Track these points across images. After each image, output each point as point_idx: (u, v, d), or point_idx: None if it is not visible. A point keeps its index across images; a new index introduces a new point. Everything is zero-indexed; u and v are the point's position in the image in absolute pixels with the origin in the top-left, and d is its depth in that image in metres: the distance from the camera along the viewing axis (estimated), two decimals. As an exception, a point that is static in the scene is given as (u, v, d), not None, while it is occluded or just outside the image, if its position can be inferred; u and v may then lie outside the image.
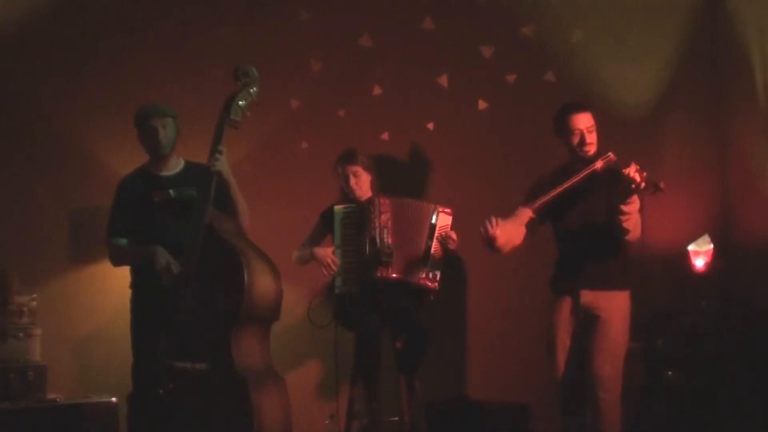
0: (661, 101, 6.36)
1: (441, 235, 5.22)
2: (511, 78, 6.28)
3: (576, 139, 4.78)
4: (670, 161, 6.32)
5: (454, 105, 6.22)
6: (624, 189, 4.50)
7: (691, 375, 5.69)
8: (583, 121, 4.79)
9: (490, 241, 4.66)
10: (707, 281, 5.96)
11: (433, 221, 5.23)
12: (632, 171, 4.44)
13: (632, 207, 4.57)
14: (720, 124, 6.42)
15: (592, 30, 6.33)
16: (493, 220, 4.63)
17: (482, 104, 6.27)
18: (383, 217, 5.21)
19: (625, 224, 4.60)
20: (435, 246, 5.21)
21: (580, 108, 4.83)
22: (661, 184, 4.45)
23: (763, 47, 5.97)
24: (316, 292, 5.52)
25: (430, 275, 5.18)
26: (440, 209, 5.26)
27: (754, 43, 6.04)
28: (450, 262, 5.34)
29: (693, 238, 6.04)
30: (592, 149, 4.78)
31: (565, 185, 4.63)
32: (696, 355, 5.72)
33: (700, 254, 5.99)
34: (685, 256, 6.03)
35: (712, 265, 5.98)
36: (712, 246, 6.00)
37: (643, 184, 4.44)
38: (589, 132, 4.78)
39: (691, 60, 6.41)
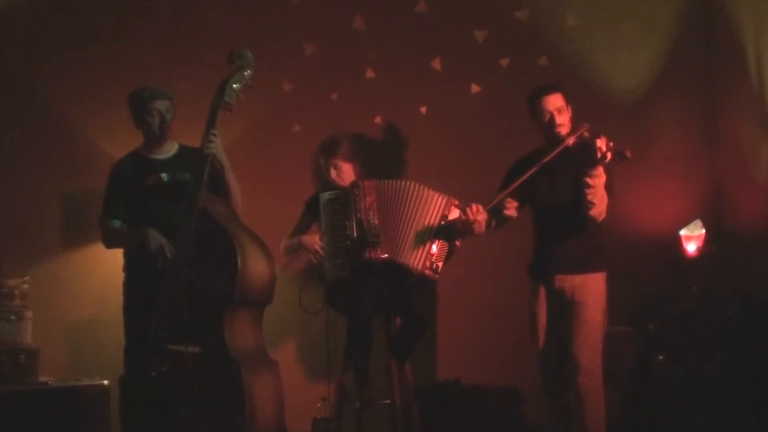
0: (655, 86, 6.36)
1: (448, 228, 5.19)
2: (505, 62, 6.27)
3: (546, 120, 4.79)
4: (662, 146, 6.33)
5: (447, 89, 6.21)
6: (590, 159, 4.51)
7: (681, 359, 5.71)
8: (553, 103, 4.79)
9: (469, 226, 4.81)
10: (699, 266, 5.97)
11: (446, 213, 5.19)
12: (600, 141, 4.46)
13: (597, 180, 4.58)
14: (713, 110, 6.42)
15: (586, 15, 6.32)
16: (474, 207, 4.79)
17: (475, 88, 6.26)
18: (368, 199, 5.19)
19: (589, 197, 4.60)
20: (443, 239, 5.19)
21: (550, 89, 4.84)
22: (628, 153, 4.46)
23: (757, 34, 5.97)
24: (305, 276, 5.51)
25: (433, 266, 5.17)
26: (453, 202, 5.19)
27: (747, 30, 6.04)
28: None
29: (685, 223, 6.05)
30: (562, 130, 4.78)
31: (536, 167, 4.65)
32: (687, 339, 5.74)
33: (692, 239, 6.01)
34: (677, 241, 6.04)
35: (703, 250, 5.99)
36: (704, 231, 6.01)
37: (609, 154, 4.45)
38: (559, 113, 4.78)
39: (684, 46, 6.41)
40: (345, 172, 5.38)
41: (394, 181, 5.27)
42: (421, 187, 5.23)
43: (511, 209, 4.94)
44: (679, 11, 6.40)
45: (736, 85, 6.20)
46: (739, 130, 6.19)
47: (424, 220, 5.17)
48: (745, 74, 6.03)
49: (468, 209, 4.86)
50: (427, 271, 5.15)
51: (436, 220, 5.17)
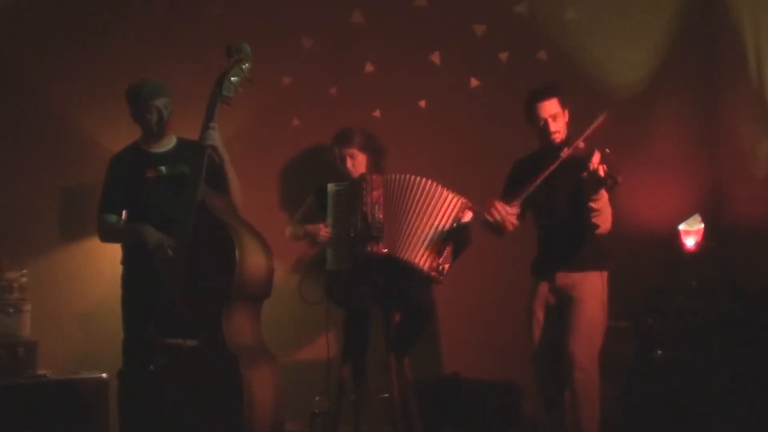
0: (654, 81, 6.34)
1: (462, 231, 5.15)
2: (504, 56, 6.26)
3: (540, 128, 4.77)
4: (662, 141, 6.32)
5: (446, 83, 6.20)
6: (589, 183, 4.49)
7: (680, 354, 5.71)
8: (547, 110, 4.76)
9: (499, 226, 4.66)
10: (698, 261, 5.96)
11: (461, 217, 5.14)
12: (595, 163, 4.42)
13: (600, 203, 4.59)
14: (712, 105, 6.41)
15: (585, 9, 6.30)
16: (497, 205, 4.64)
17: (474, 82, 6.25)
18: (375, 193, 5.19)
19: (594, 220, 4.63)
20: (454, 242, 5.18)
21: (544, 95, 4.78)
22: (619, 179, 4.42)
23: (757, 29, 5.95)
24: (305, 267, 5.51)
25: (439, 267, 5.15)
26: (468, 206, 5.15)
27: (747, 25, 6.03)
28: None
29: (684, 218, 6.04)
30: (557, 137, 4.76)
31: (539, 179, 4.60)
32: (685, 334, 5.73)
33: (691, 234, 6.00)
34: (675, 236, 6.03)
35: (702, 245, 5.99)
36: (702, 226, 6.01)
37: (606, 181, 4.42)
38: (554, 120, 4.75)
39: (684, 40, 6.39)
40: (359, 162, 5.38)
41: (404, 177, 5.24)
42: (434, 184, 5.20)
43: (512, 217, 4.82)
44: (678, 6, 6.38)
45: (735, 80, 6.19)
46: (738, 126, 6.18)
47: (435, 219, 5.15)
48: (745, 70, 6.01)
49: (494, 211, 4.64)
50: (432, 273, 5.14)
51: (448, 222, 5.15)
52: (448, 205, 5.17)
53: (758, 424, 5.33)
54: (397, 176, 5.26)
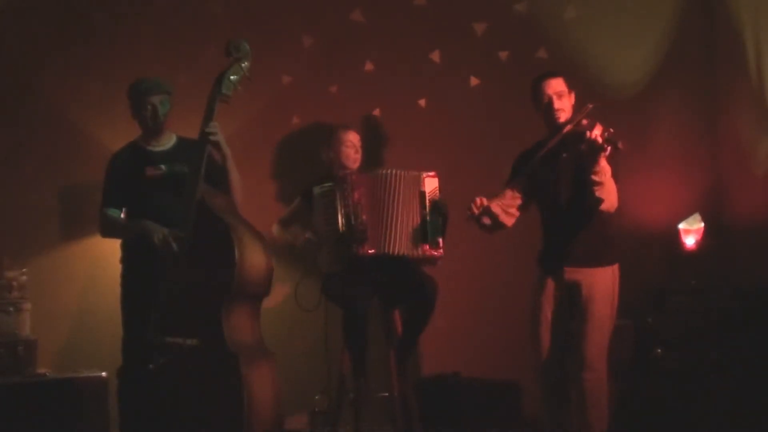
0: (654, 80, 6.34)
1: (432, 199, 5.19)
2: (504, 55, 6.26)
3: (545, 104, 4.73)
4: (662, 140, 6.32)
5: (446, 81, 6.20)
6: (588, 153, 4.43)
7: (680, 353, 5.71)
8: (553, 86, 4.73)
9: (475, 219, 4.71)
10: (697, 260, 5.97)
11: (423, 189, 5.20)
12: (595, 133, 4.38)
13: (602, 175, 4.50)
14: (712, 104, 6.41)
15: (585, 7, 6.31)
16: (478, 201, 4.69)
17: (474, 81, 6.25)
18: (355, 194, 5.16)
19: (597, 193, 4.53)
20: (430, 213, 5.18)
21: (551, 74, 4.79)
22: (620, 144, 4.37)
23: (757, 28, 5.96)
24: (302, 274, 5.50)
25: (434, 243, 5.14)
26: (425, 175, 5.21)
27: (747, 23, 6.03)
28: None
29: (684, 217, 6.05)
30: (561, 115, 4.71)
31: (537, 157, 4.59)
32: (685, 333, 5.73)
33: (691, 233, 6.00)
34: (676, 235, 6.04)
35: (702, 244, 5.99)
36: (702, 225, 6.01)
37: (606, 146, 4.36)
38: (559, 97, 4.72)
39: (684, 39, 6.39)
40: (360, 149, 5.40)
41: (379, 172, 5.25)
42: (397, 171, 5.21)
43: (507, 216, 4.84)
44: (678, 6, 6.39)
45: (735, 78, 6.19)
46: (738, 124, 6.18)
47: (408, 203, 5.16)
48: (745, 68, 6.02)
49: (472, 205, 4.74)
50: (428, 253, 5.13)
51: (417, 199, 5.16)
52: (411, 184, 5.18)
53: (758, 424, 5.33)
54: (374, 173, 5.26)
